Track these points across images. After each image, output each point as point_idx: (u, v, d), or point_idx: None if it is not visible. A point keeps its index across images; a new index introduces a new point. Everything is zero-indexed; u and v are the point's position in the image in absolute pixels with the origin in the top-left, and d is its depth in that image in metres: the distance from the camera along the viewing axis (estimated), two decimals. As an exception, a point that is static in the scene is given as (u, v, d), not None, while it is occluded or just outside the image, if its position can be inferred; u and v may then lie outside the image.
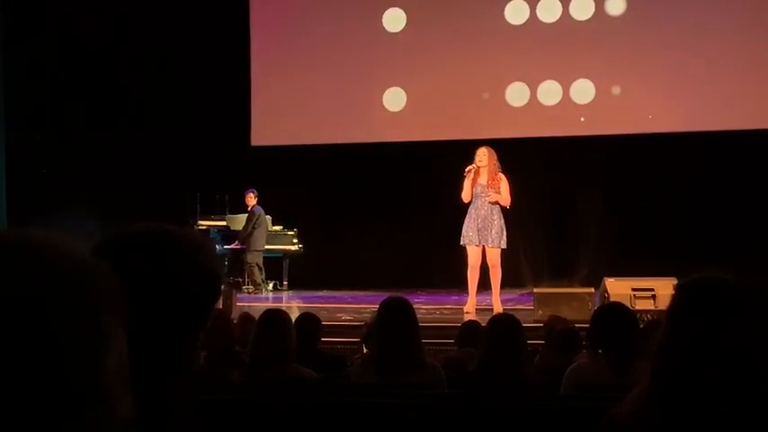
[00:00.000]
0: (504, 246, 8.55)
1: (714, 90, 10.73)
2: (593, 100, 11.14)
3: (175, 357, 1.18)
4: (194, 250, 1.21)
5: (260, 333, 3.83)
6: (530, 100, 11.31)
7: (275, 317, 3.94)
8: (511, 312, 5.14)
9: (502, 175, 8.58)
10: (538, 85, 11.26)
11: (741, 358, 1.61)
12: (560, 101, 11.22)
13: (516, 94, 11.33)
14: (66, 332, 0.63)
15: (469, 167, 8.53)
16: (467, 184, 8.53)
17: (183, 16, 11.61)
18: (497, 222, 8.51)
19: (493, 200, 8.47)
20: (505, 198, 8.53)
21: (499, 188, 8.51)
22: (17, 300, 0.62)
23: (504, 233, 8.54)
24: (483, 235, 8.48)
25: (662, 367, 1.70)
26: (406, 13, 11.64)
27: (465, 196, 8.56)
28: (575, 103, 11.19)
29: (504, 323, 3.86)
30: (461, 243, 8.61)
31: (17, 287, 0.63)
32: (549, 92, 11.25)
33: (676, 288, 1.75)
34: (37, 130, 12.00)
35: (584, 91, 11.16)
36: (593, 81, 11.12)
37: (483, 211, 8.49)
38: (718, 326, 1.64)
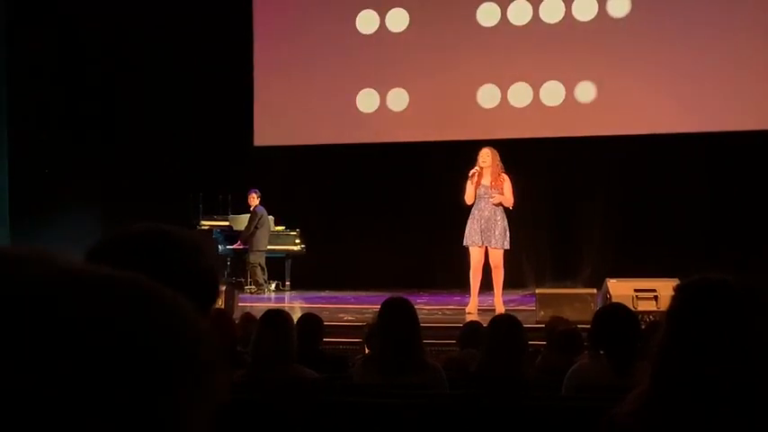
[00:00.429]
0: (507, 246, 8.53)
1: (717, 91, 10.72)
2: (595, 101, 11.13)
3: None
4: (194, 251, 1.22)
5: (261, 333, 3.83)
6: (532, 100, 11.30)
7: (277, 317, 3.93)
8: (512, 313, 5.13)
9: (505, 176, 8.56)
10: (540, 86, 11.26)
11: (741, 358, 1.61)
12: (563, 101, 11.21)
13: (519, 94, 11.33)
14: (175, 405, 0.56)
15: (473, 171, 8.51)
16: (470, 186, 8.51)
17: (184, 16, 11.62)
18: (500, 223, 8.49)
19: (496, 201, 8.45)
20: (508, 198, 8.51)
21: (502, 189, 8.49)
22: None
23: (508, 234, 8.52)
24: (486, 236, 8.46)
25: (662, 367, 1.70)
26: (408, 13, 11.64)
27: (468, 198, 8.54)
28: (577, 104, 11.18)
29: (505, 324, 3.86)
30: (464, 244, 8.59)
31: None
32: (552, 92, 11.24)
33: (676, 289, 1.75)
34: (41, 130, 12.01)
35: (586, 92, 11.15)
36: (595, 82, 11.11)
37: (486, 213, 8.47)
38: (718, 326, 1.64)
